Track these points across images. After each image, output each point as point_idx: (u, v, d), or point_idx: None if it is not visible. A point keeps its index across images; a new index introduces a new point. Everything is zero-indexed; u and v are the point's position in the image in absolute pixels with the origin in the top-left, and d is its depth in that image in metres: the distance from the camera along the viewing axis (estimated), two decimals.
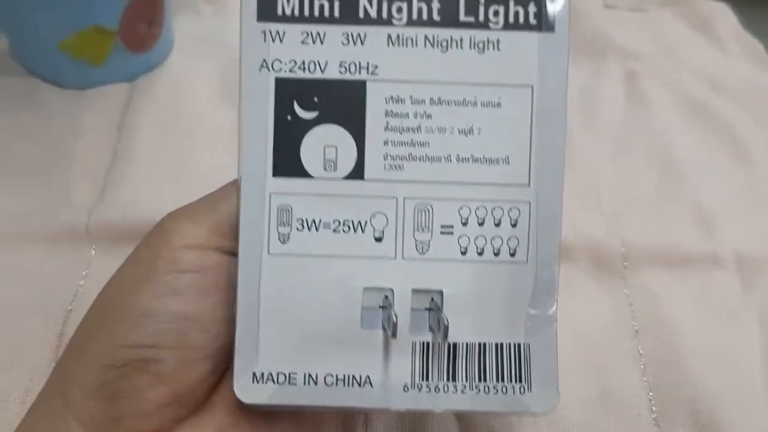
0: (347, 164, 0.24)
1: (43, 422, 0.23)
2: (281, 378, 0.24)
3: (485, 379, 0.24)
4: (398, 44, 0.24)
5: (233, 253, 0.24)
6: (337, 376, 0.24)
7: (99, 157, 0.40)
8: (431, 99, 0.24)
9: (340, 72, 0.24)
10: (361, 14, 0.24)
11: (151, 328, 0.23)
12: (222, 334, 0.24)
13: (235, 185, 0.25)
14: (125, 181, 0.39)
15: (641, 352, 0.34)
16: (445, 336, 0.23)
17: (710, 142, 0.46)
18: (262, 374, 0.24)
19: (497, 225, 0.24)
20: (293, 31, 0.23)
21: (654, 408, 0.32)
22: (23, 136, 0.41)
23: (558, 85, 0.24)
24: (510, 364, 0.24)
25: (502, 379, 0.24)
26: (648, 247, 0.38)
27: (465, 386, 0.24)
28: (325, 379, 0.24)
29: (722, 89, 0.50)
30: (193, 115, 0.44)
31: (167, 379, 0.23)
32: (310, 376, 0.24)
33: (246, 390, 0.23)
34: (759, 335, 0.36)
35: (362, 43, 0.24)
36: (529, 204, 0.24)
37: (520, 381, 0.24)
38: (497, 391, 0.24)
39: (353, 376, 0.24)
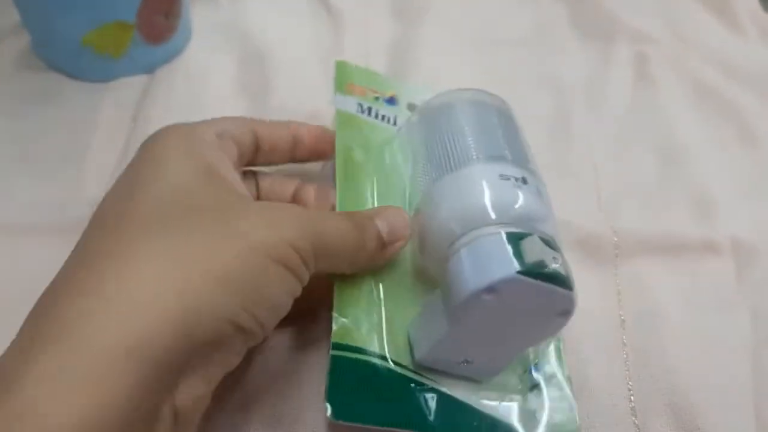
0: None
1: None
2: None
3: None
4: None
5: None
6: None
7: (112, 147, 0.42)
8: None
9: None
10: None
11: None
12: None
13: None
14: None
15: (625, 341, 0.35)
16: None
17: (716, 127, 0.46)
18: None
19: None
20: None
21: (632, 398, 0.33)
22: (43, 129, 0.43)
23: None
24: None
25: None
26: (641, 234, 0.38)
27: None
28: None
29: (736, 73, 0.49)
30: (210, 105, 0.45)
31: None
32: None
33: None
34: (750, 326, 0.36)
35: None
36: None
37: None
38: None
39: None
